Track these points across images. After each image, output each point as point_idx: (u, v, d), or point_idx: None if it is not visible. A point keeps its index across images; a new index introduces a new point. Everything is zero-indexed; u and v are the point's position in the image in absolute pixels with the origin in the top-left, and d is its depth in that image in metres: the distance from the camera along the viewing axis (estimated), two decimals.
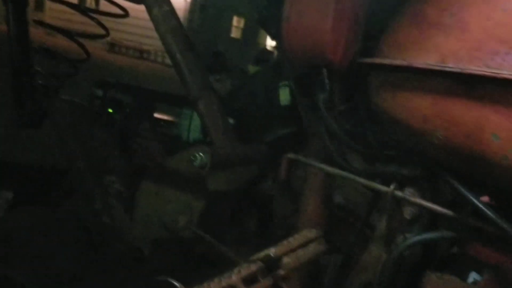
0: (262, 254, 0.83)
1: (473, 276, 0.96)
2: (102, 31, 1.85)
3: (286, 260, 0.83)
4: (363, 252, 1.12)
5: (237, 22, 12.82)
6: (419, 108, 0.87)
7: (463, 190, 0.89)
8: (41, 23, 1.81)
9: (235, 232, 1.56)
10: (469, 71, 0.77)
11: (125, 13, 1.81)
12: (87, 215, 1.61)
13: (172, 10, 1.52)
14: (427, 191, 1.01)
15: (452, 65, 0.79)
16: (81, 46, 1.82)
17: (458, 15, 0.83)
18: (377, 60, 0.96)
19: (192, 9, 11.64)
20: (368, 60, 0.98)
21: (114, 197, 1.57)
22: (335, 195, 1.95)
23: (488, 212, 0.85)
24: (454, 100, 0.81)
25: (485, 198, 0.93)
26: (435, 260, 1.02)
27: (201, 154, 1.30)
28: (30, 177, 1.96)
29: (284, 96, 1.65)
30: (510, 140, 0.75)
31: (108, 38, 11.96)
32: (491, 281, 0.90)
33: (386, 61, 0.92)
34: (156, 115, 1.93)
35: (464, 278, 0.96)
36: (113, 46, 12.13)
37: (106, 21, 1.82)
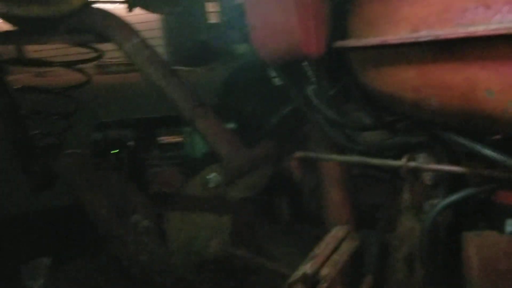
0: (299, 273, 0.83)
1: (509, 224, 0.94)
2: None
3: (324, 272, 0.83)
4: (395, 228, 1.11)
5: (211, 7, 12.66)
6: (406, 80, 0.84)
7: (471, 144, 0.87)
8: (33, 89, 1.85)
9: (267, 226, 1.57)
10: (443, 36, 0.74)
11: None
12: (124, 259, 1.64)
13: (142, 40, 1.50)
14: (441, 153, 0.99)
15: (425, 33, 0.77)
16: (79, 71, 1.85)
17: None
18: (352, 42, 0.93)
19: None
20: (344, 43, 0.96)
21: (144, 235, 1.58)
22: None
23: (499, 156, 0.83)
24: (439, 66, 0.79)
25: None
26: (469, 217, 1.00)
27: (213, 175, 1.30)
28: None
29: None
30: (505, 93, 0.72)
31: (94, 62, 12.01)
32: None
33: (361, 42, 0.90)
34: (161, 138, 1.93)
35: (501, 227, 0.94)
36: (101, 68, 12.14)
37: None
